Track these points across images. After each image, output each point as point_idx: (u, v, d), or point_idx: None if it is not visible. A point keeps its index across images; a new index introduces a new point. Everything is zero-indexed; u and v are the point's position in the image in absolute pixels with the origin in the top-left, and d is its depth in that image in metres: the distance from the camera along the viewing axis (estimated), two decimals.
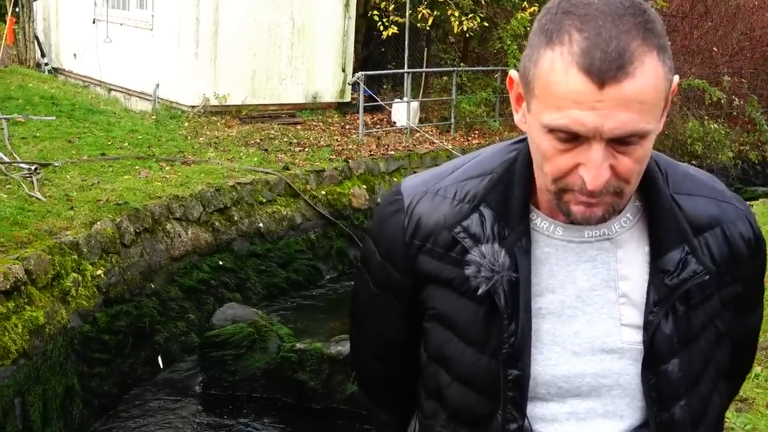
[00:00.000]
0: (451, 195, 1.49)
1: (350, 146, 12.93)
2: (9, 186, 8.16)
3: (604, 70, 1.23)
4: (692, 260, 1.42)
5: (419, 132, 14.33)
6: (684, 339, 1.43)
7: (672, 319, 1.41)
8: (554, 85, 1.27)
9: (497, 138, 14.36)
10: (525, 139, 1.46)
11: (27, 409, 5.84)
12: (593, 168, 1.28)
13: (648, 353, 1.41)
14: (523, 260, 1.41)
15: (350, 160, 11.96)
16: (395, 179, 12.34)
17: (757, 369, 5.06)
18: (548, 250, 1.45)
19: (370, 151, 12.76)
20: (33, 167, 8.76)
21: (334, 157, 12.10)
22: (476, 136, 14.98)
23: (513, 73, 1.41)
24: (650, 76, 1.26)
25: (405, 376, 1.65)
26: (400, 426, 1.72)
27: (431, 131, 14.75)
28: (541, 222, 1.46)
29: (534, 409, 1.45)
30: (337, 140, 13.31)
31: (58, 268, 6.73)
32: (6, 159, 9.04)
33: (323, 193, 11.16)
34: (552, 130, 1.29)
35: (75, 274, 6.97)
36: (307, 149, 12.40)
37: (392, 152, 12.90)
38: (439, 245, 1.46)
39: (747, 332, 1.63)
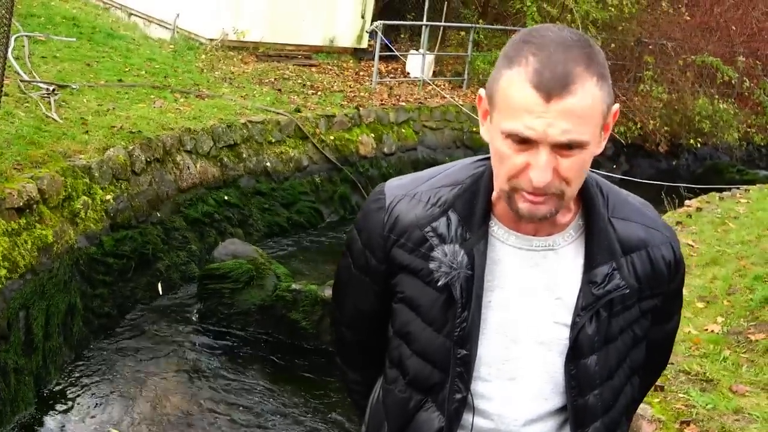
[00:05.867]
0: (425, 200, 1.75)
1: (362, 94, 13.07)
2: (27, 105, 8.30)
3: (551, 87, 1.50)
4: (617, 276, 1.69)
5: (431, 85, 14.45)
6: (604, 339, 1.70)
7: (595, 322, 1.68)
8: (511, 98, 1.54)
9: None
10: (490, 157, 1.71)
11: (30, 323, 6.01)
12: (539, 168, 1.54)
13: (572, 348, 1.69)
14: (479, 260, 1.68)
15: (361, 108, 12.11)
16: (403, 130, 12.52)
17: (726, 352, 5.23)
18: (501, 253, 1.72)
19: (382, 101, 12.90)
20: (51, 88, 8.88)
21: (345, 103, 12.24)
22: None
23: (481, 91, 1.68)
24: (588, 97, 1.52)
25: (373, 344, 1.95)
26: (366, 385, 2.04)
27: (444, 85, 14.85)
28: (498, 229, 1.73)
29: (476, 387, 1.73)
30: (350, 86, 13.44)
31: (69, 189, 6.89)
32: (26, 77, 9.19)
33: (332, 138, 11.33)
34: (509, 135, 1.55)
35: (85, 197, 7.14)
36: (319, 93, 12.54)
37: (403, 103, 13.04)
38: (411, 241, 1.74)
39: (664, 337, 1.92)
